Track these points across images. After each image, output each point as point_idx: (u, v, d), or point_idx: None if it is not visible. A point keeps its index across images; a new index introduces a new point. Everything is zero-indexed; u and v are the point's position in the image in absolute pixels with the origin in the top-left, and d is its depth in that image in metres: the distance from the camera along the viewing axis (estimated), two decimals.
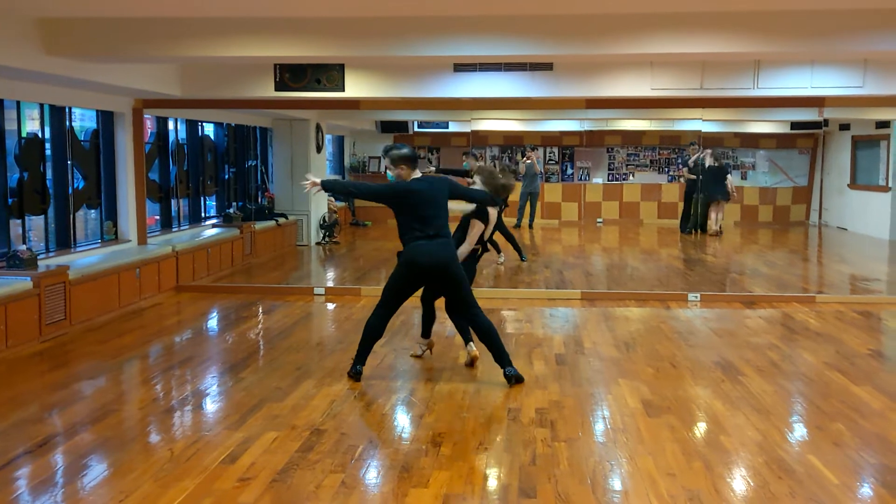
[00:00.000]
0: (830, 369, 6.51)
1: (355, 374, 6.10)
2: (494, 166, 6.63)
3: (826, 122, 16.46)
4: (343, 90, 9.04)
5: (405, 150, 6.12)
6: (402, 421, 5.35)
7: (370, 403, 5.69)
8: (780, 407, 5.61)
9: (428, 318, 6.68)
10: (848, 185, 17.08)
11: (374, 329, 6.14)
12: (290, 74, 9.00)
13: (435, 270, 5.99)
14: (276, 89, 9.14)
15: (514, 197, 16.67)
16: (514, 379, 5.95)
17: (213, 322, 8.73)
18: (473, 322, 6.09)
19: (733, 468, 4.48)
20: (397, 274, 6.10)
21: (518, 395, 5.70)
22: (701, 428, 5.16)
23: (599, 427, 5.15)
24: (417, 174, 6.08)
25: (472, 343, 6.45)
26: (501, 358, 6.02)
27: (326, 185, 6.09)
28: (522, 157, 17.80)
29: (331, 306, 9.27)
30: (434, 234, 5.95)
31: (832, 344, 7.38)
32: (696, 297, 9.40)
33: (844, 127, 17.03)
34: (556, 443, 4.79)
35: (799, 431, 5.18)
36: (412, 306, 8.66)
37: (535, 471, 4.36)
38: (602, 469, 4.43)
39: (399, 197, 6.05)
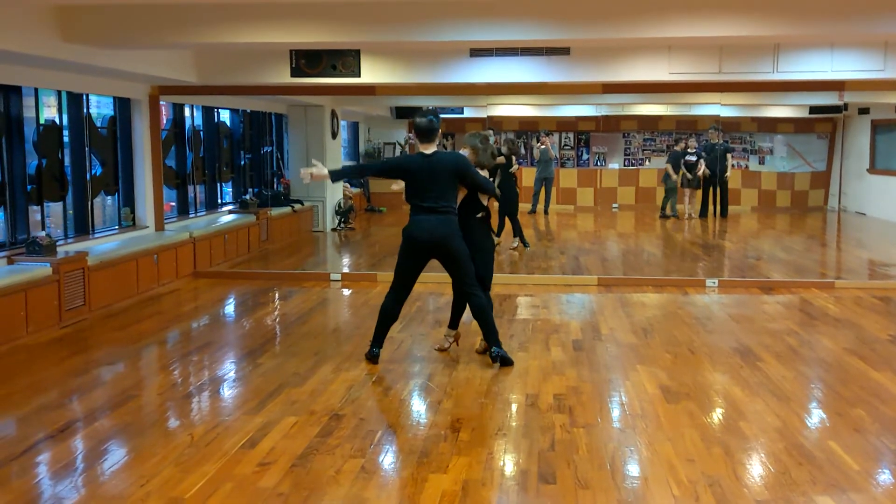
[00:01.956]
0: (850, 355, 6.47)
1: (372, 357, 6.13)
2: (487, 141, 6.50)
3: (846, 106, 16.31)
4: (359, 76, 9.02)
5: (418, 120, 5.98)
6: (421, 406, 5.35)
7: (388, 389, 5.70)
8: (800, 393, 5.58)
9: (457, 308, 6.46)
10: (867, 169, 16.92)
11: (388, 311, 6.15)
12: (306, 60, 8.98)
13: (432, 245, 5.96)
14: (292, 75, 9.13)
15: (529, 182, 16.64)
16: (501, 360, 5.96)
17: (230, 308, 8.77)
18: (469, 300, 6.06)
19: (753, 454, 4.46)
20: (400, 249, 6.13)
21: (535, 381, 5.69)
22: (720, 414, 5.14)
23: (618, 413, 5.14)
24: (433, 148, 5.95)
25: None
26: (489, 337, 6.02)
27: (335, 176, 6.22)
28: (537, 142, 17.73)
29: (347, 292, 9.29)
30: (431, 207, 5.90)
31: (851, 329, 7.33)
32: (714, 282, 9.35)
33: (864, 111, 16.86)
34: (575, 429, 4.78)
35: (818, 417, 5.15)
36: (427, 291, 8.70)
37: (553, 456, 4.36)
38: (621, 455, 4.42)
39: (395, 170, 6.28)
